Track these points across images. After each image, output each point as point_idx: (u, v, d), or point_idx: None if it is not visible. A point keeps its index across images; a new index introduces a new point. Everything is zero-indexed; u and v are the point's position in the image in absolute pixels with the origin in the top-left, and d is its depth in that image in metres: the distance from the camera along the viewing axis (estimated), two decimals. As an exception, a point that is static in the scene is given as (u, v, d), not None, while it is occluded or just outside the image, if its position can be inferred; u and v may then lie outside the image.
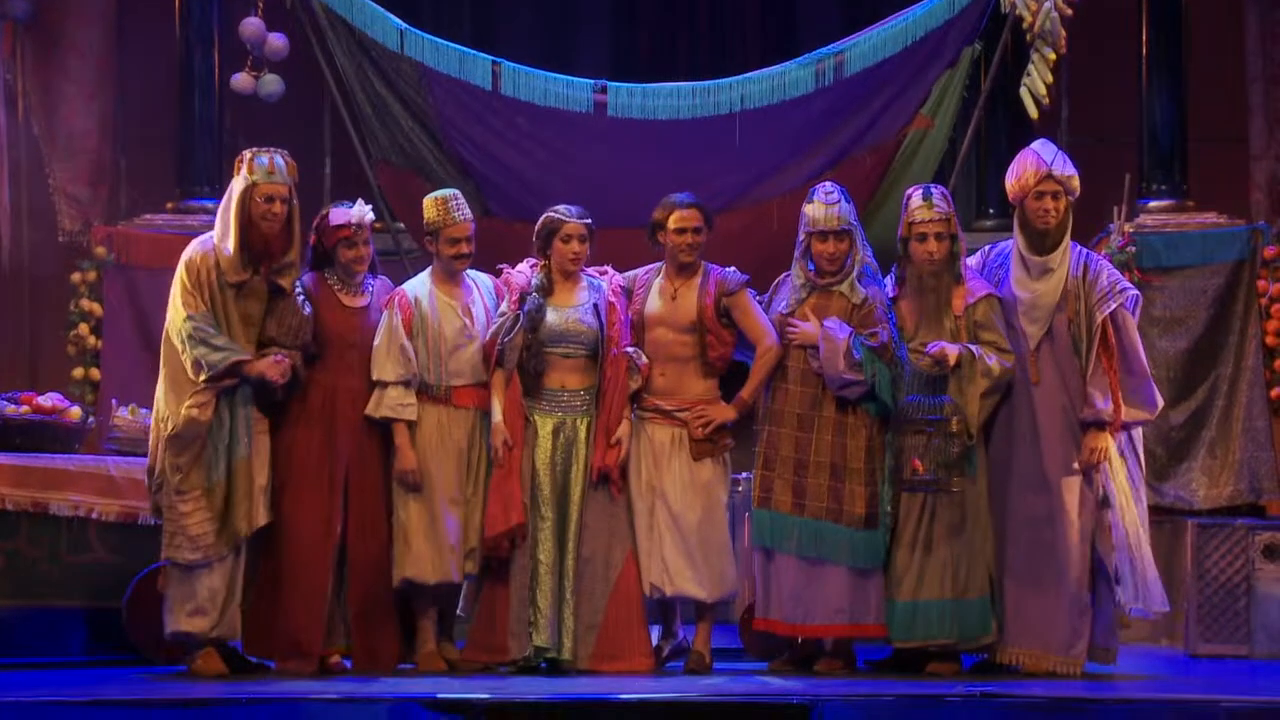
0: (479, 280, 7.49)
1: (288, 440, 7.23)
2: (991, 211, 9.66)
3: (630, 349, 7.35)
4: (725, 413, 7.31)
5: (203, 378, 7.04)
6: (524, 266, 7.43)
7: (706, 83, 8.60)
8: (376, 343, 7.26)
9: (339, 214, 7.26)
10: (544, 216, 7.33)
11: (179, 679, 7.07)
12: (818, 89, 8.52)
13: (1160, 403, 7.11)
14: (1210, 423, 8.61)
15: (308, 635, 7.18)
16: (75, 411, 8.00)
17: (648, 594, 7.32)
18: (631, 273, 7.53)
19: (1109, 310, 7.00)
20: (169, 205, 9.10)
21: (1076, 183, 7.03)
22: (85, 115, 9.24)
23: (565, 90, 8.59)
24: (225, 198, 7.18)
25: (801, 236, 7.32)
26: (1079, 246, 7.12)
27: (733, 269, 7.48)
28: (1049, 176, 7.00)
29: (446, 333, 7.31)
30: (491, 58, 8.62)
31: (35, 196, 9.23)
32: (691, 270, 7.40)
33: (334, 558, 7.22)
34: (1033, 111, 8.57)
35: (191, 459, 7.07)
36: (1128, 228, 8.62)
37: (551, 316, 7.29)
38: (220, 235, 7.13)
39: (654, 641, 7.43)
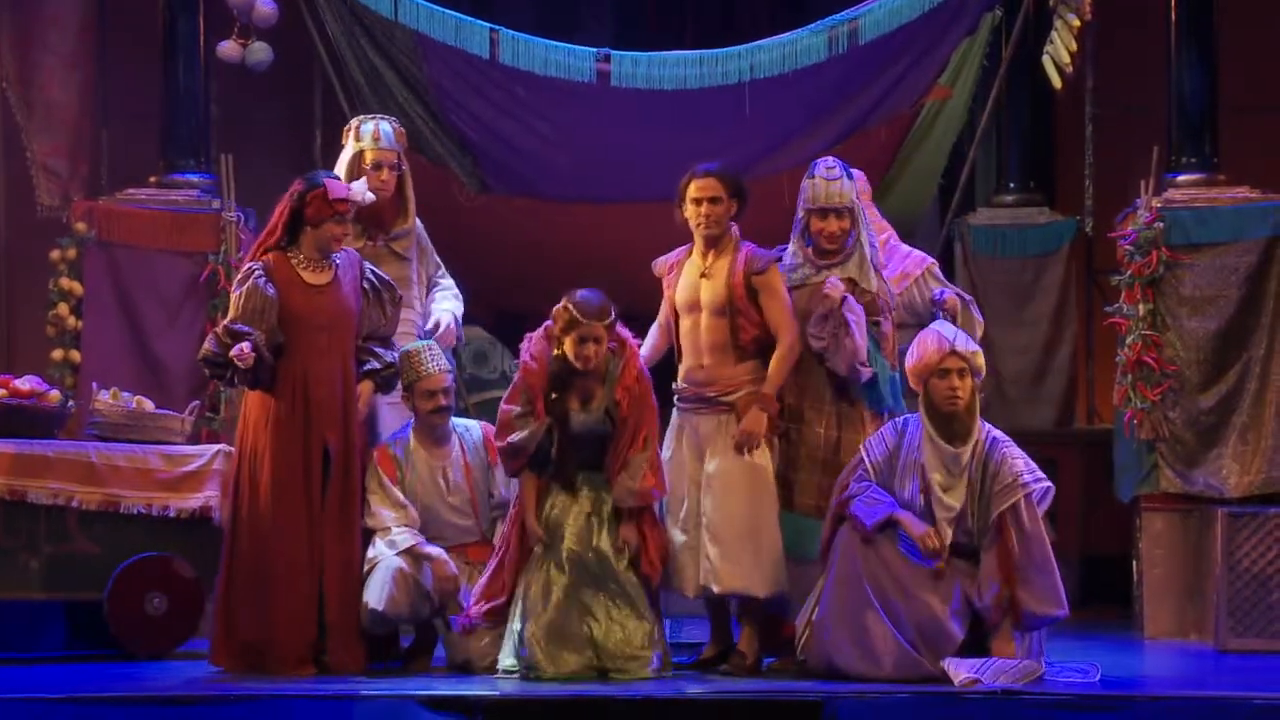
0: (466, 434, 7.24)
1: (267, 439, 6.98)
2: (1012, 186, 9.56)
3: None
4: (756, 422, 6.91)
5: None
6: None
7: (714, 51, 8.51)
8: (369, 497, 7.07)
9: (339, 187, 7.04)
10: (560, 307, 6.86)
11: (166, 675, 6.95)
12: (830, 57, 8.44)
13: (1066, 606, 6.72)
14: (1241, 407, 8.33)
15: (296, 650, 6.94)
16: (54, 395, 7.85)
17: (691, 596, 7.02)
18: (663, 257, 7.19)
19: (1005, 506, 6.67)
20: (152, 179, 8.83)
21: (981, 360, 6.80)
22: (65, 86, 9.08)
23: (566, 59, 8.49)
24: (337, 167, 7.37)
25: (800, 214, 7.09)
26: (987, 428, 6.86)
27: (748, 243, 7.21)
28: (952, 353, 6.73)
29: (424, 500, 7.12)
30: (490, 25, 8.52)
31: (13, 171, 9.15)
32: (722, 246, 7.03)
33: (320, 564, 6.99)
34: (1056, 81, 8.51)
35: None
36: (1155, 202, 8.39)
37: (572, 419, 6.92)
38: None
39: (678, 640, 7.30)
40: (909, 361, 6.85)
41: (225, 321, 7.02)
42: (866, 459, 6.83)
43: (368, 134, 7.38)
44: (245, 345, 6.83)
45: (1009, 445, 6.81)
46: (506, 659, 6.84)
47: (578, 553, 6.84)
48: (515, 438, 6.89)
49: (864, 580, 6.69)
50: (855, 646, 6.65)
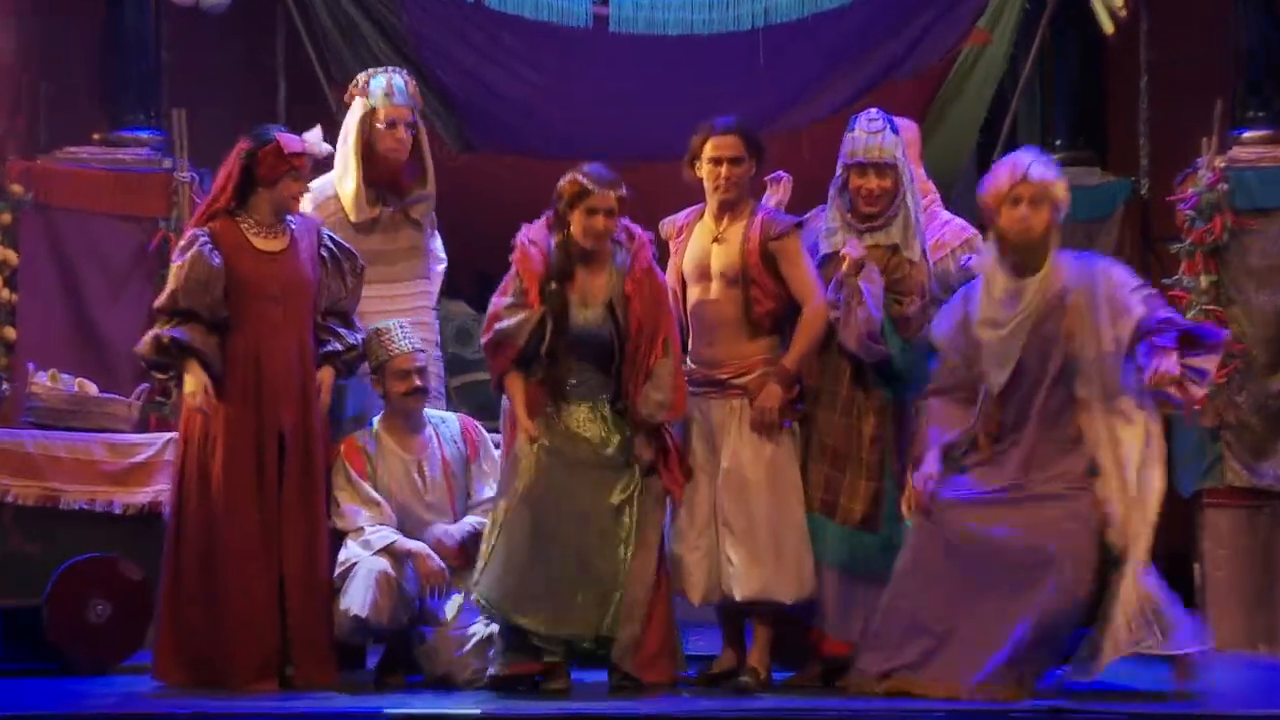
0: (442, 425, 7.02)
1: (217, 422, 6.75)
2: (1059, 143, 9.21)
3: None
4: (770, 396, 6.62)
5: None
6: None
7: (724, -9, 8.61)
8: (337, 494, 6.85)
9: (293, 141, 6.80)
10: (568, 179, 6.65)
11: (110, 690, 6.78)
12: (854, 1, 8.45)
13: (1223, 334, 6.78)
14: (1316, 391, 8.25)
15: (254, 662, 6.66)
16: (-15, 377, 7.92)
17: (698, 603, 6.75)
18: (671, 218, 6.94)
19: (1137, 312, 6.49)
20: (96, 136, 8.62)
21: (1060, 191, 6.61)
22: (3, 36, 8.74)
23: (560, 2, 8.44)
24: (342, 131, 7.20)
25: (839, 170, 6.84)
26: (1069, 256, 6.68)
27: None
28: (1024, 180, 6.56)
29: (398, 498, 6.89)
30: (476, -36, 8.64)
31: (-60, 130, 9.15)
32: (738, 210, 6.75)
33: (279, 564, 6.76)
34: (1107, 26, 8.42)
35: None
36: (1219, 162, 8.16)
37: (571, 315, 6.63)
38: (339, 173, 7.13)
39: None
40: (980, 194, 6.65)
41: (163, 306, 6.74)
42: (938, 335, 6.64)
43: (379, 89, 7.08)
44: (210, 390, 6.64)
45: (1098, 260, 6.64)
46: (479, 590, 6.59)
47: (564, 499, 6.58)
48: (502, 324, 6.62)
49: (930, 586, 6.51)
50: (912, 659, 6.48)
